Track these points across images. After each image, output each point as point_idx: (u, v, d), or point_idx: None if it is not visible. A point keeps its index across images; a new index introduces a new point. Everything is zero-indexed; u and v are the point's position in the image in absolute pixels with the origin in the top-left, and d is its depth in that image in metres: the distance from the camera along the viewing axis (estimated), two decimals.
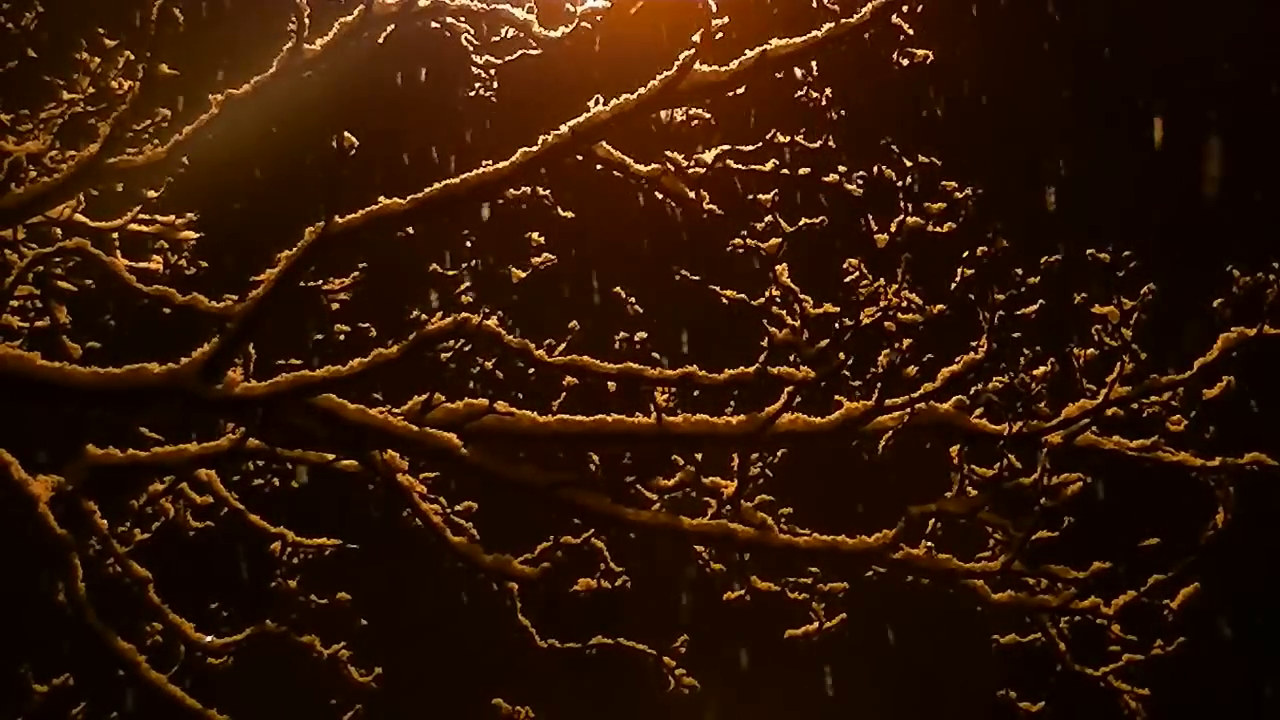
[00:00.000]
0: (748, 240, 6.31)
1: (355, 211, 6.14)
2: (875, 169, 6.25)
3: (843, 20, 6.06)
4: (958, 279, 6.34)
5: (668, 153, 6.36)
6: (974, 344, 6.46)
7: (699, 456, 6.68)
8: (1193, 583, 6.58)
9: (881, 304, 6.31)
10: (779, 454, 6.80)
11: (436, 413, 6.33)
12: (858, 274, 6.32)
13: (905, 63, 6.16)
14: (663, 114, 6.29)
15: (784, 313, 6.36)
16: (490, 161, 6.18)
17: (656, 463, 6.75)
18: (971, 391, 6.53)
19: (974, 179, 6.38)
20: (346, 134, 5.93)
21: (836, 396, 6.49)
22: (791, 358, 6.37)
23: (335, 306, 7.34)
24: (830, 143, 6.29)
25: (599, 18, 6.31)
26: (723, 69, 6.13)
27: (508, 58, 6.60)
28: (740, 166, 6.36)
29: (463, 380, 6.45)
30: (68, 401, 6.21)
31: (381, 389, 6.45)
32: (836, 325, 6.32)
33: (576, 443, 6.44)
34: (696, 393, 6.44)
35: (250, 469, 8.07)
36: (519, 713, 7.96)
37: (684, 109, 6.32)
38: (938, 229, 6.30)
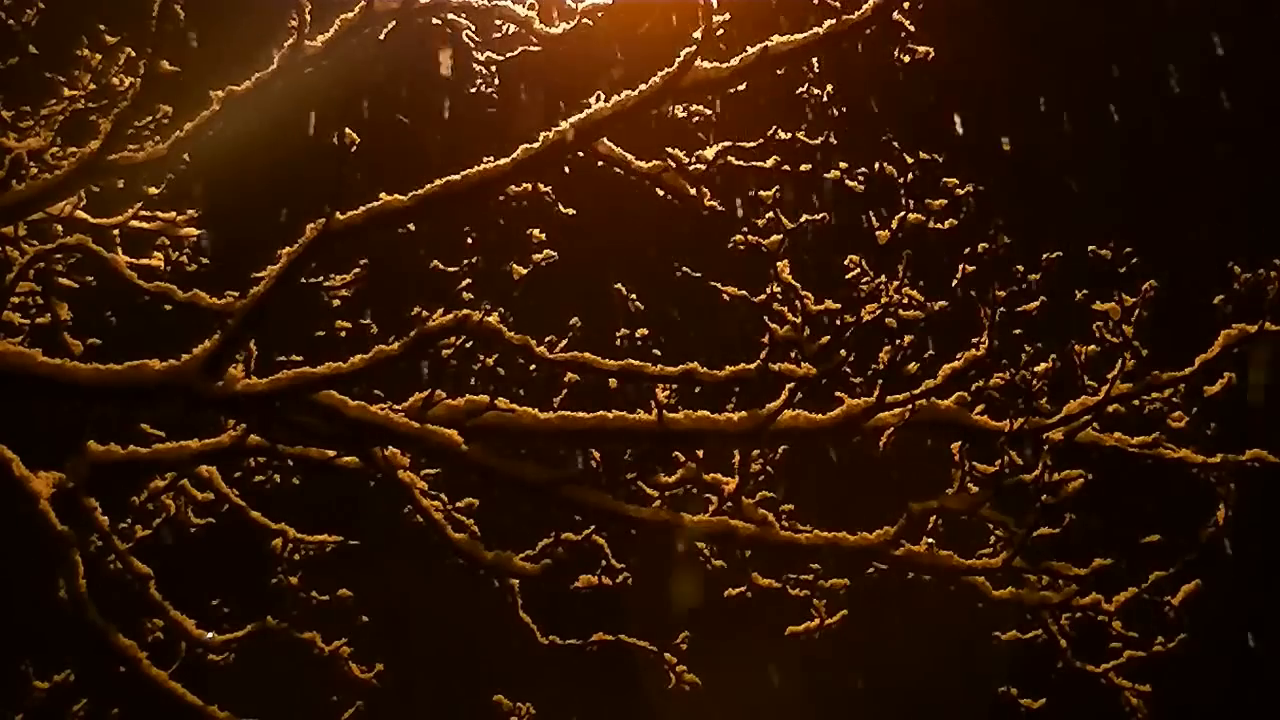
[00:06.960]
0: (749, 237, 6.31)
1: (357, 208, 6.13)
2: (877, 165, 6.25)
3: (844, 17, 6.06)
4: (959, 275, 6.34)
5: (669, 149, 6.35)
6: (975, 340, 6.46)
7: (700, 453, 6.68)
8: (1194, 579, 6.58)
9: (883, 300, 6.31)
10: (780, 451, 6.80)
11: (438, 409, 6.33)
12: (859, 270, 6.32)
13: (907, 59, 6.16)
14: (664, 110, 6.29)
15: (785, 309, 6.36)
16: (492, 158, 6.18)
17: (658, 459, 6.74)
18: (973, 388, 6.54)
19: (975, 176, 6.38)
20: (348, 130, 5.93)
21: (838, 393, 6.49)
22: (793, 354, 6.37)
23: (336, 303, 7.33)
24: (832, 139, 6.29)
25: (600, 14, 6.30)
26: (724, 65, 6.12)
27: (509, 54, 6.60)
28: (742, 163, 6.36)
29: (464, 377, 6.45)
30: (69, 398, 6.21)
31: (383, 386, 6.45)
32: (838, 322, 6.32)
33: (578, 439, 6.44)
34: (698, 389, 6.44)
35: (251, 465, 8.08)
36: (520, 709, 7.97)
37: (685, 105, 6.32)
38: (939, 225, 6.30)
